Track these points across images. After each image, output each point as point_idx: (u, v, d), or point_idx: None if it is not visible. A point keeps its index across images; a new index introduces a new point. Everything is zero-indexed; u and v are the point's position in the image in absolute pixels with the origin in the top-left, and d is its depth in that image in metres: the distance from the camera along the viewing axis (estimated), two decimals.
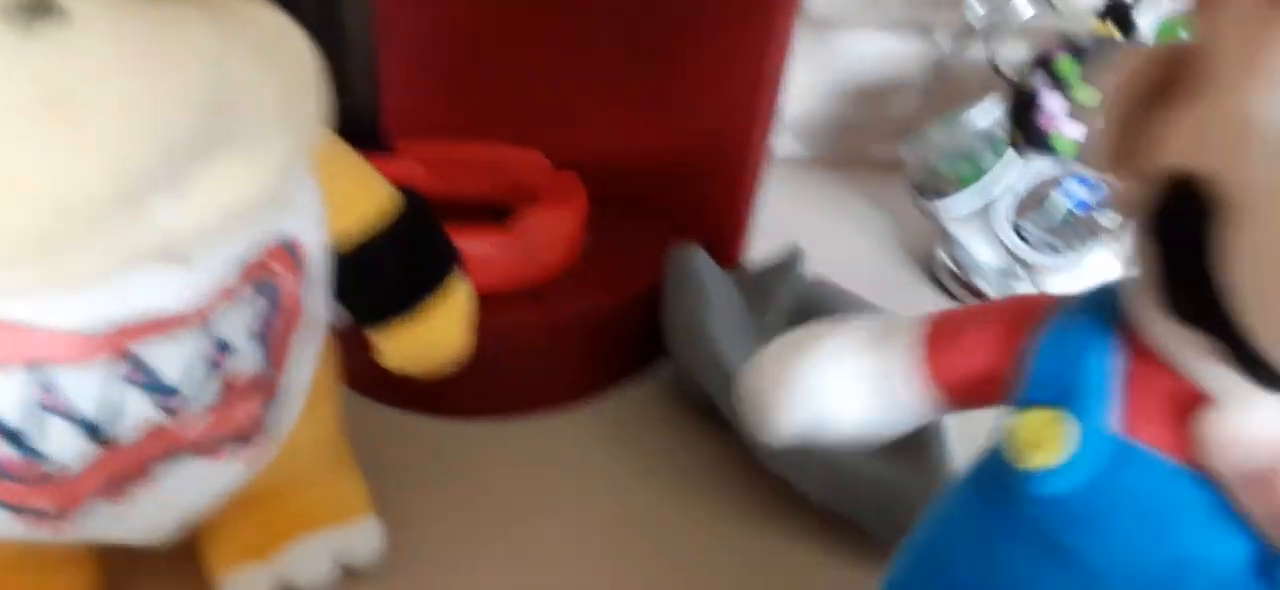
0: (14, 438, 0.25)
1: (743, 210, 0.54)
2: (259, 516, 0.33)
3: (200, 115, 0.21)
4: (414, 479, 0.40)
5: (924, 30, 0.75)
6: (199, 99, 0.21)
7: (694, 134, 0.52)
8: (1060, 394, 0.19)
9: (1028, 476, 0.19)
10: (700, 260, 0.46)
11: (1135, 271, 0.18)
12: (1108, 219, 0.54)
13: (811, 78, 0.77)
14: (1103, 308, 0.20)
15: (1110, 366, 0.19)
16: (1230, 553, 0.17)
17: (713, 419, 0.43)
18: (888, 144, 0.73)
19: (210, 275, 0.25)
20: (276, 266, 0.27)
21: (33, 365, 0.24)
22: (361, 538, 0.34)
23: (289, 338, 0.29)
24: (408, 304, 0.32)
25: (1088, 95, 0.47)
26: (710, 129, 0.52)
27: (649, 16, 0.49)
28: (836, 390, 0.24)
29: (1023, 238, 0.56)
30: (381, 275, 0.31)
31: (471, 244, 0.42)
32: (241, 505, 0.32)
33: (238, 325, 0.27)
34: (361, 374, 0.42)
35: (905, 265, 0.65)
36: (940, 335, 0.23)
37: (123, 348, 0.24)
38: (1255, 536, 0.17)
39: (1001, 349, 0.22)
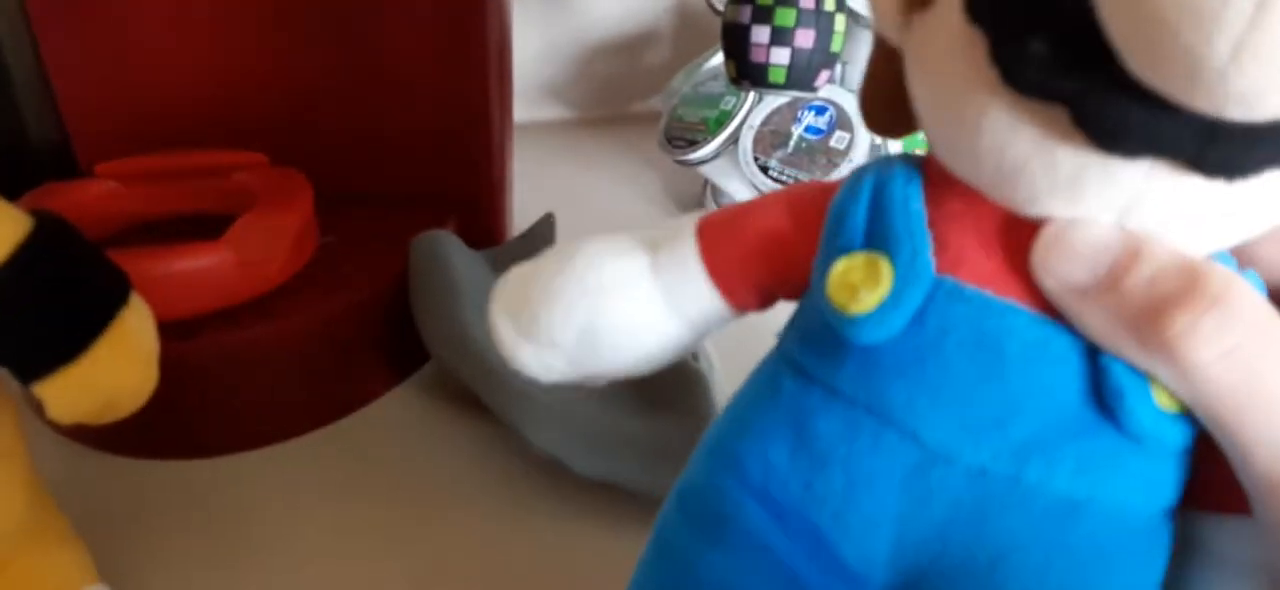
0: None
1: (493, 184, 0.52)
2: None
3: None
4: (150, 529, 0.36)
5: None
6: None
7: (423, 108, 0.49)
8: (873, 240, 0.18)
9: (848, 324, 0.17)
10: (445, 244, 0.44)
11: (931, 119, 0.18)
12: (838, 141, 0.56)
13: (563, 37, 0.76)
14: (895, 163, 0.19)
15: (920, 210, 0.18)
16: (1064, 383, 0.16)
17: (479, 411, 0.41)
18: (642, 99, 0.73)
19: None
20: None
21: None
22: None
23: None
24: (65, 348, 0.27)
25: (786, 17, 0.48)
26: (438, 101, 0.49)
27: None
28: (614, 291, 0.21)
29: (768, 173, 0.57)
30: (24, 318, 0.26)
31: (183, 261, 0.38)
32: None
33: None
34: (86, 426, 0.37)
35: (674, 216, 0.65)
36: (721, 230, 0.21)
37: None
38: (1088, 365, 0.16)
39: (788, 219, 0.20)
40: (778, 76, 0.49)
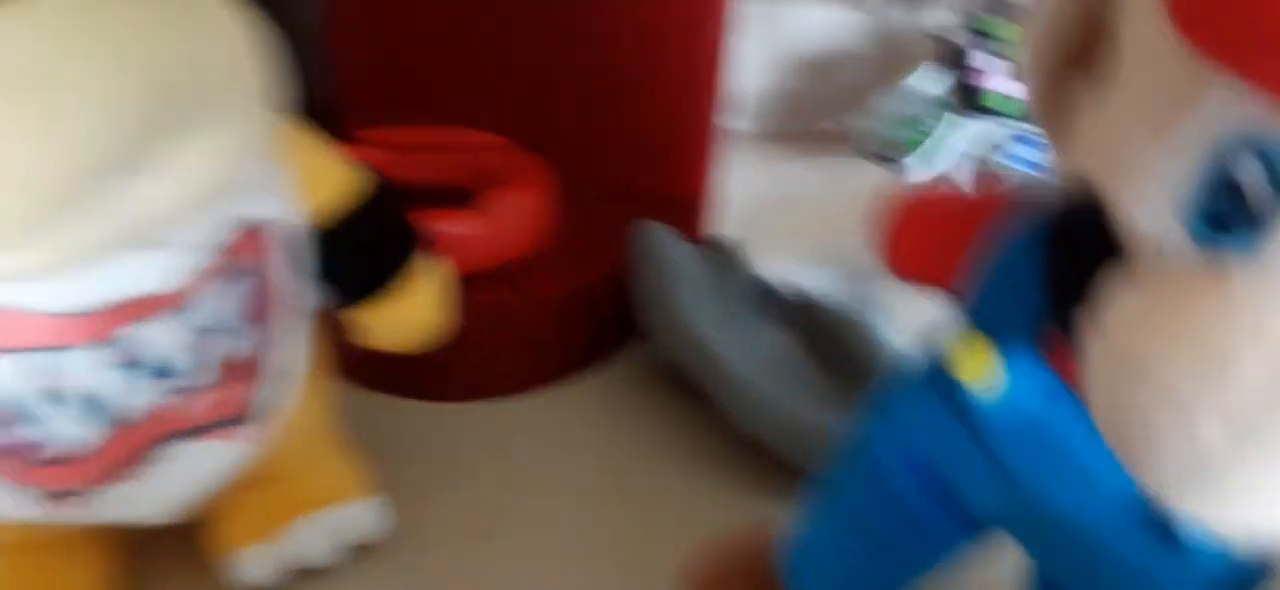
0: (18, 420, 0.25)
1: (701, 185, 0.56)
2: (262, 499, 0.34)
3: (157, 98, 0.22)
4: (407, 460, 0.41)
5: (865, 8, 0.77)
6: (155, 83, 0.22)
7: (645, 108, 0.53)
8: (992, 322, 0.21)
9: (959, 384, 0.21)
10: (663, 236, 0.48)
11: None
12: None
13: (760, 53, 0.79)
14: (1037, 232, 0.21)
15: (1037, 300, 0.20)
16: (1128, 491, 0.18)
17: (687, 390, 0.44)
18: (838, 116, 0.74)
19: (186, 258, 0.26)
20: (249, 248, 0.28)
21: (31, 349, 0.24)
22: (363, 516, 0.35)
23: (273, 320, 0.30)
24: (383, 282, 0.33)
25: (1009, 45, 0.49)
26: (660, 101, 0.53)
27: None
28: None
29: None
30: (355, 255, 0.32)
31: (442, 226, 0.43)
32: (245, 489, 0.33)
33: (221, 307, 0.28)
34: (349, 362, 0.43)
35: (862, 233, 0.66)
36: (899, 222, 0.25)
37: (113, 330, 0.25)
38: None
39: (946, 255, 0.23)
40: (1002, 106, 0.50)
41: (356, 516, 0.35)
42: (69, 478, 0.27)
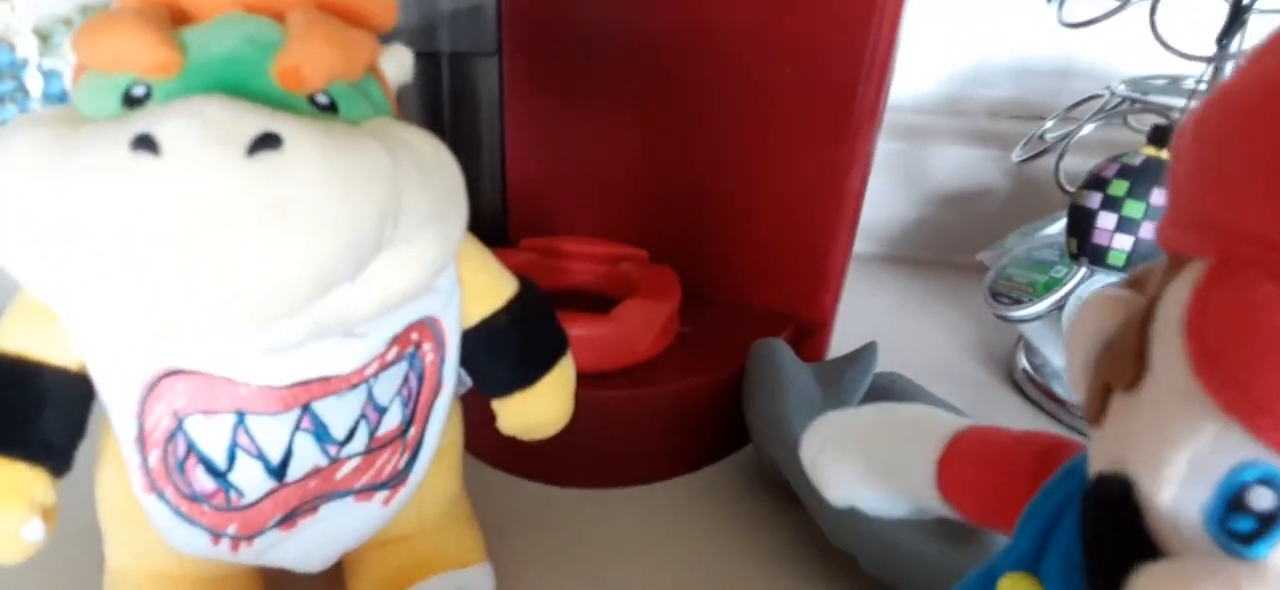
0: (215, 471, 0.31)
1: (826, 307, 0.59)
2: (394, 557, 0.38)
3: (380, 222, 0.26)
4: (519, 535, 0.45)
5: (1003, 144, 0.79)
6: (380, 210, 0.26)
7: (781, 236, 0.57)
8: (1038, 562, 0.22)
9: None
10: (782, 351, 0.51)
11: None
12: None
13: (898, 184, 0.81)
14: (1080, 475, 0.22)
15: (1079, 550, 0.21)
16: None
17: (789, 498, 0.47)
18: (969, 250, 0.76)
19: (372, 346, 0.31)
20: (422, 340, 0.33)
21: (235, 412, 0.30)
22: (477, 581, 0.39)
23: (429, 401, 0.35)
24: (524, 377, 0.37)
25: (1135, 209, 0.51)
26: (796, 231, 0.57)
27: (744, 126, 0.55)
28: (869, 496, 0.29)
29: None
30: (504, 351, 0.37)
31: (578, 328, 0.48)
32: (380, 546, 0.38)
33: (389, 388, 0.33)
34: (479, 440, 0.48)
35: (985, 367, 0.68)
36: (954, 470, 0.27)
37: (302, 402, 0.31)
38: None
39: (1001, 500, 0.25)
40: (1118, 260, 0.52)
41: (473, 580, 0.39)
42: (244, 524, 0.32)
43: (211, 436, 0.30)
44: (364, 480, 0.34)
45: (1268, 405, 0.15)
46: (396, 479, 0.35)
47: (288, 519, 0.33)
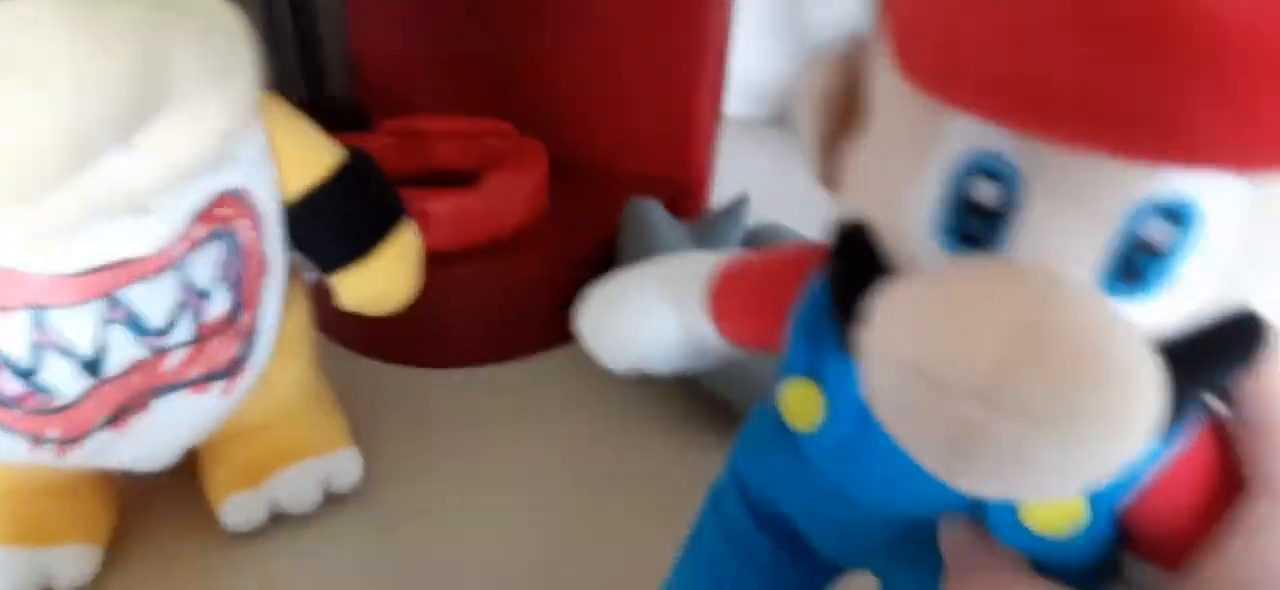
0: (20, 372, 0.29)
1: (698, 165, 0.58)
2: (250, 449, 0.37)
3: (136, 79, 0.24)
4: (388, 420, 0.44)
5: None
6: (135, 65, 0.24)
7: (645, 95, 0.56)
8: (814, 367, 0.22)
9: (796, 433, 0.23)
10: (653, 211, 0.50)
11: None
12: None
13: (769, 41, 0.80)
14: (828, 281, 0.22)
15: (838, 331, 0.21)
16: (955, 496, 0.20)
17: None
18: None
19: (170, 223, 0.29)
20: (229, 214, 0.31)
21: (30, 307, 0.28)
22: (342, 466, 0.39)
23: (255, 282, 0.33)
24: (358, 249, 0.36)
25: None
26: (659, 89, 0.55)
27: None
28: (650, 341, 0.28)
29: None
30: (332, 222, 0.35)
31: (442, 203, 0.46)
32: (234, 439, 0.37)
33: (205, 270, 0.31)
34: (339, 326, 0.46)
35: None
36: (723, 296, 0.26)
37: (105, 290, 0.29)
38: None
39: (768, 319, 0.24)
40: None
41: (337, 465, 0.38)
42: (65, 426, 0.30)
43: (8, 334, 0.29)
44: (196, 371, 0.33)
45: (971, 75, 0.15)
46: (233, 367, 0.34)
47: (116, 418, 0.32)
